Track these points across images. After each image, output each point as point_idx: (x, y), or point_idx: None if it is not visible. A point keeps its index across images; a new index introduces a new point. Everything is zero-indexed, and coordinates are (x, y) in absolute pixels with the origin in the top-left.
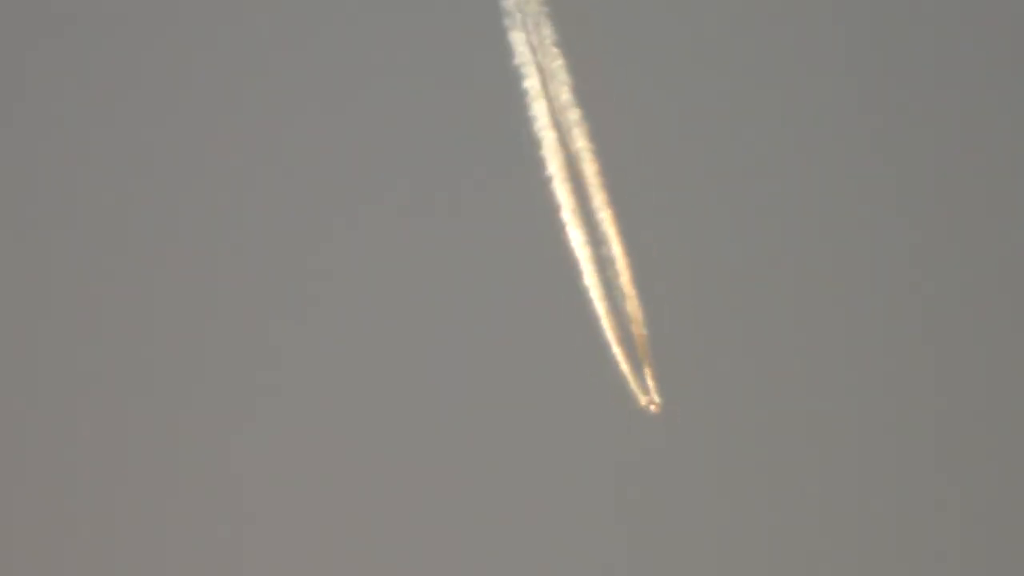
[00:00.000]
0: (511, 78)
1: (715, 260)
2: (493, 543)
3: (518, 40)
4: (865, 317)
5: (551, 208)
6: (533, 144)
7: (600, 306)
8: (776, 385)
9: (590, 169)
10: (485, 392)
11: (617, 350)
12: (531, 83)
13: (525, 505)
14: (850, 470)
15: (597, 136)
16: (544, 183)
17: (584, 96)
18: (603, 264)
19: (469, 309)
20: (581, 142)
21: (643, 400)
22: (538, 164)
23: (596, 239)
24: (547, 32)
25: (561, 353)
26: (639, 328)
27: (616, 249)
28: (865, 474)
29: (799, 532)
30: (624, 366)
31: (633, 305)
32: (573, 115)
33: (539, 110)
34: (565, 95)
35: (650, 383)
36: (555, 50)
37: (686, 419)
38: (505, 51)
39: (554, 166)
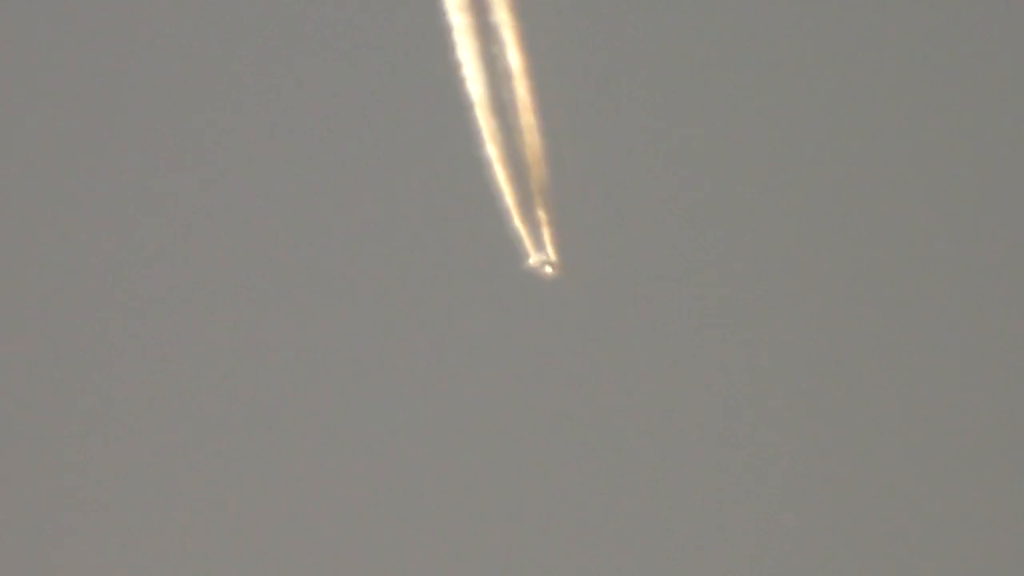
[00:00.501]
0: None
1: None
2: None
3: None
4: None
5: (436, 11)
6: None
7: (486, 124)
8: (707, 243)
9: None
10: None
11: (503, 179)
12: None
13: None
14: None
15: None
16: None
17: None
18: (496, 74)
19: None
20: None
21: (534, 258)
22: None
23: (490, 49)
24: None
25: (432, 178)
26: (532, 137)
27: (512, 58)
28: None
29: (705, 410)
30: (510, 199)
31: (528, 119)
32: None
33: None
34: None
35: (544, 228)
36: None
37: (589, 284)
38: None
39: None
